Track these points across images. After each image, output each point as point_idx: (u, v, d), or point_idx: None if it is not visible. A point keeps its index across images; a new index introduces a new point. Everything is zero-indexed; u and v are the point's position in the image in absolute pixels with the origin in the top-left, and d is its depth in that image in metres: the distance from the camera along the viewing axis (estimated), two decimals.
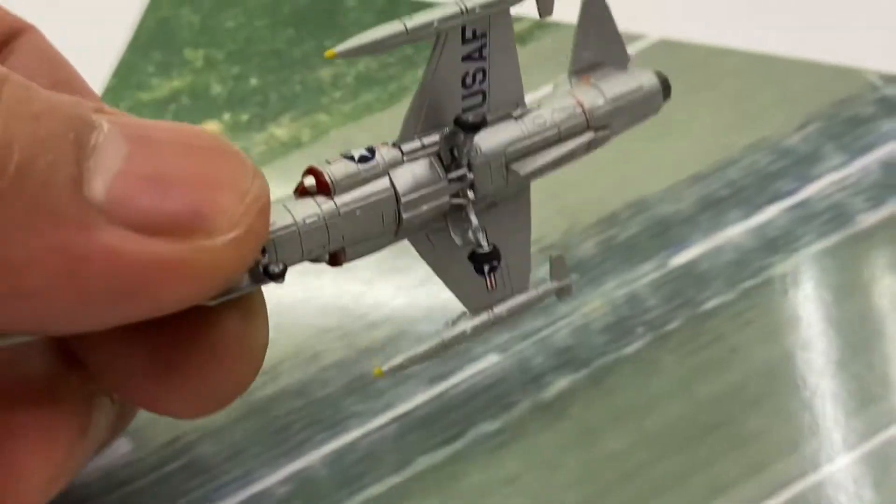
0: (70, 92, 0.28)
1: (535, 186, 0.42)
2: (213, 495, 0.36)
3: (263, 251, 0.28)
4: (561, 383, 0.38)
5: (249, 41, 0.47)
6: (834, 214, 0.42)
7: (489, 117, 0.32)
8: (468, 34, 0.31)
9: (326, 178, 0.29)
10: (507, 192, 0.33)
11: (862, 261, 0.41)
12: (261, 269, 0.27)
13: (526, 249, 0.34)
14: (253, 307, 0.29)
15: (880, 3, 0.49)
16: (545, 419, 0.37)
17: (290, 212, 0.29)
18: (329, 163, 0.30)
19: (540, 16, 0.34)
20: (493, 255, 0.32)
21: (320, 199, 0.29)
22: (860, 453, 0.36)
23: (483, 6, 0.30)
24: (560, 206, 0.42)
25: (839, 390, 0.38)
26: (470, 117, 0.31)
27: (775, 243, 0.41)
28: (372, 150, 0.30)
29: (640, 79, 0.36)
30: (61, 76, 0.32)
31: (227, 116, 0.45)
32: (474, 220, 0.32)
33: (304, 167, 0.44)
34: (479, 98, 0.32)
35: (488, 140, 0.32)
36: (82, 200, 0.23)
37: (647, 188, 0.43)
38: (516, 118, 0.33)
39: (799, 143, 0.44)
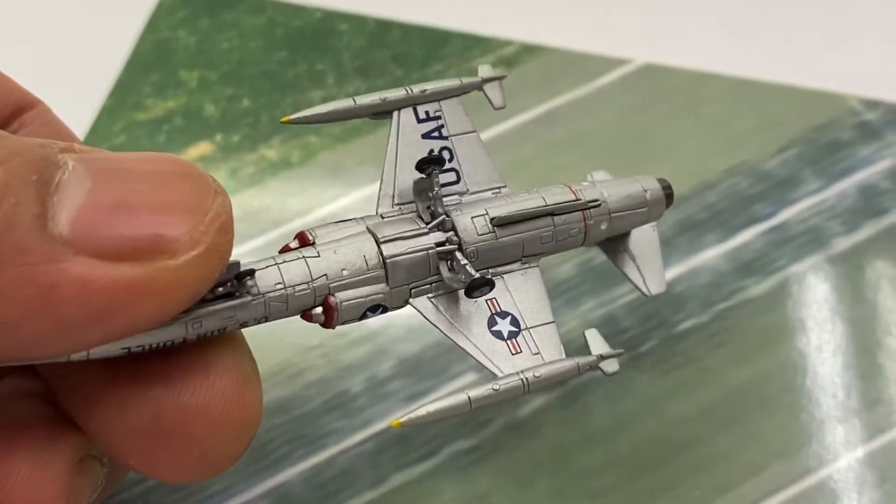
0: None
1: None
2: None
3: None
4: (535, 402, 0.39)
5: (242, 63, 0.48)
6: (810, 238, 0.43)
7: (471, 190, 0.33)
8: (421, 114, 0.33)
9: (308, 235, 0.31)
10: (507, 257, 0.33)
11: (836, 284, 0.42)
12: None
13: (547, 315, 0.32)
14: (247, 374, 0.30)
15: (862, 28, 0.49)
16: (518, 438, 0.38)
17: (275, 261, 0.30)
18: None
19: (493, 107, 0.36)
20: (484, 281, 0.31)
21: (302, 250, 0.31)
22: (821, 477, 0.37)
23: (429, 93, 0.34)
24: None
25: (806, 413, 0.39)
26: (430, 155, 0.32)
27: (751, 266, 0.42)
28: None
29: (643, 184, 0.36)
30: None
31: (218, 137, 0.46)
32: (461, 258, 0.32)
33: (293, 187, 0.45)
34: (453, 175, 0.34)
35: (468, 199, 0.33)
36: (47, 235, 0.25)
37: None
38: (497, 195, 0.34)
39: (777, 167, 0.45)
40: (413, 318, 0.40)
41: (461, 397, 0.30)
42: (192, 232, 0.26)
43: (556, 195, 0.34)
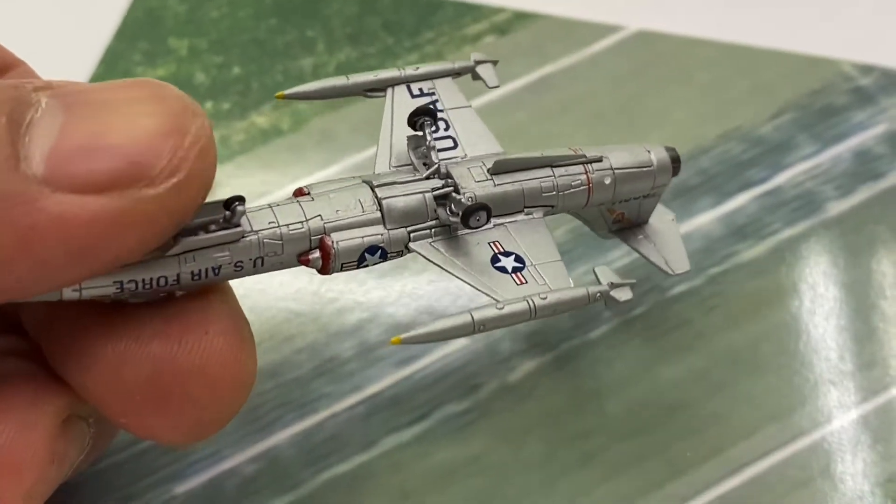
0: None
1: None
2: (182, 473, 0.37)
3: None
4: (527, 366, 0.39)
5: (233, 31, 0.48)
6: (804, 202, 0.43)
7: (469, 156, 0.33)
8: (415, 90, 0.34)
9: (304, 189, 0.31)
10: (508, 207, 0.32)
11: (830, 248, 0.42)
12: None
13: (553, 254, 0.32)
14: (244, 335, 0.30)
15: None
16: (510, 400, 0.38)
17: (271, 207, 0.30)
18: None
19: (487, 86, 0.36)
20: (480, 206, 0.31)
21: (297, 198, 0.31)
22: (814, 438, 0.37)
23: (421, 73, 0.34)
24: None
25: (799, 377, 0.39)
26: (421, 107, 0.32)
27: (744, 231, 0.42)
28: None
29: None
30: None
31: (209, 105, 0.46)
32: (457, 195, 0.31)
33: (284, 154, 0.45)
34: (450, 142, 0.34)
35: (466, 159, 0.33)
36: (21, 176, 0.25)
37: None
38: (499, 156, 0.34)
39: (772, 132, 0.45)
40: (404, 284, 0.41)
41: (465, 317, 0.30)
42: (171, 158, 0.26)
43: (557, 151, 0.33)
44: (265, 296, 0.40)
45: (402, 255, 0.31)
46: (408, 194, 0.31)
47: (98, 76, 0.46)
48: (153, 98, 0.27)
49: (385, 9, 0.49)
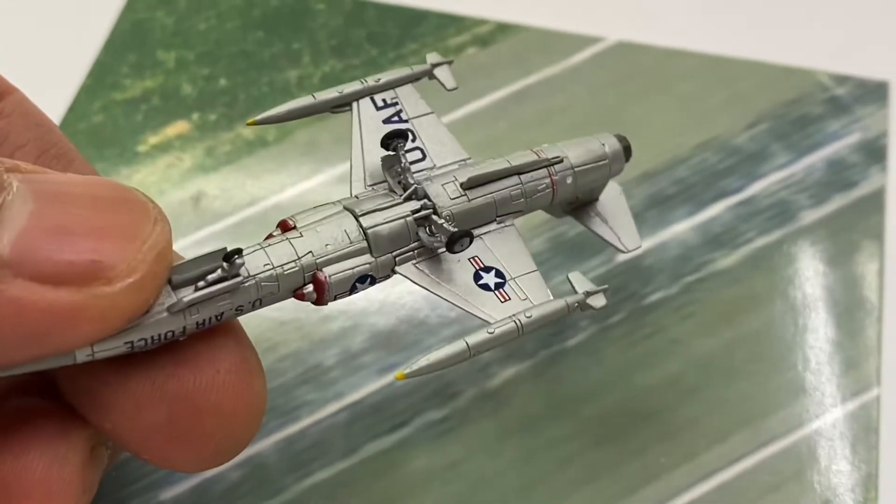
0: (59, 159, 0.31)
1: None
2: (169, 479, 0.37)
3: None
4: (506, 373, 0.40)
5: (220, 43, 0.48)
6: (778, 211, 0.44)
7: (437, 165, 0.34)
8: (379, 102, 0.35)
9: (289, 222, 0.32)
10: (482, 218, 0.34)
11: (804, 256, 0.43)
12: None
13: (529, 265, 0.33)
14: (253, 366, 0.31)
15: (831, 4, 0.50)
16: (489, 407, 0.39)
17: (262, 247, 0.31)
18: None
19: (446, 89, 0.37)
20: (463, 233, 0.32)
21: (285, 234, 0.31)
22: (786, 443, 0.38)
23: (383, 82, 0.35)
24: None
25: (771, 383, 0.39)
26: (393, 130, 0.33)
27: (719, 239, 0.43)
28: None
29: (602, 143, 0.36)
30: (46, 136, 0.34)
31: (195, 116, 0.46)
32: (438, 219, 0.32)
33: (269, 165, 0.46)
34: (419, 154, 0.35)
35: (437, 172, 0.34)
36: None
37: None
38: (463, 165, 0.34)
39: (747, 142, 0.46)
40: (386, 292, 0.42)
41: (460, 345, 0.31)
42: (130, 260, 0.27)
43: (521, 157, 0.34)
44: None
45: (388, 278, 0.33)
46: (390, 220, 0.32)
47: (86, 87, 0.47)
48: (118, 200, 0.28)
49: (370, 21, 0.49)
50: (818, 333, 0.41)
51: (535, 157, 0.35)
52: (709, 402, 0.39)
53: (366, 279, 0.32)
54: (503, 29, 0.49)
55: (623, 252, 0.37)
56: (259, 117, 0.35)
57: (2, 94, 0.34)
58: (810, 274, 0.42)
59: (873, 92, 0.47)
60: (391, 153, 0.33)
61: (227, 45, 0.49)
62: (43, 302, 0.26)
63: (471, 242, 0.32)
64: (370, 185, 0.33)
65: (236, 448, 0.31)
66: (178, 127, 0.46)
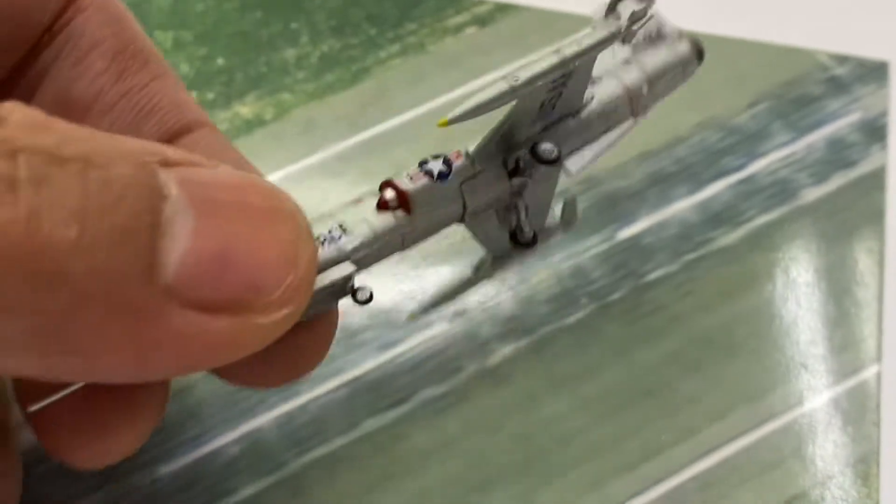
0: (136, 57, 0.30)
1: None
2: (167, 454, 0.37)
3: None
4: (505, 350, 0.40)
5: (217, 23, 0.48)
6: (779, 189, 0.44)
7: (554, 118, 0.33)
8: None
9: (408, 195, 0.31)
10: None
11: (804, 234, 0.42)
12: (349, 291, 0.30)
13: (548, 201, 0.34)
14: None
15: None
16: (488, 384, 0.39)
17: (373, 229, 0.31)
18: (410, 178, 0.31)
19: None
20: (534, 242, 0.34)
21: (399, 214, 0.31)
22: (786, 420, 0.38)
23: (578, 56, 0.31)
24: None
25: (771, 360, 0.39)
26: (545, 153, 0.32)
27: (719, 217, 0.43)
28: (449, 165, 0.32)
29: (677, 50, 0.37)
30: (123, 32, 0.32)
31: (193, 95, 0.46)
32: (523, 216, 0.33)
33: (267, 143, 0.46)
34: (549, 109, 0.33)
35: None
36: (155, 288, 0.24)
37: (597, 165, 0.44)
38: (574, 116, 0.34)
39: (748, 121, 0.46)
40: (387, 268, 0.41)
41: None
42: (285, 289, 0.26)
43: (614, 105, 0.35)
44: None
45: None
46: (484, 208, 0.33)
47: None
48: (273, 212, 0.26)
49: (368, 1, 0.49)
50: (818, 311, 0.41)
51: (626, 107, 0.35)
52: (708, 379, 0.39)
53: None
54: (502, 9, 0.49)
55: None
56: (452, 116, 0.30)
57: (191, 127, 0.32)
58: (811, 252, 0.42)
59: (873, 72, 0.47)
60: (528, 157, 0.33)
61: (225, 25, 0.48)
62: (202, 332, 0.24)
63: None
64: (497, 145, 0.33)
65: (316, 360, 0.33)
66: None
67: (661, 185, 0.44)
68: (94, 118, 0.31)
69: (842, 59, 0.47)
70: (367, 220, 0.31)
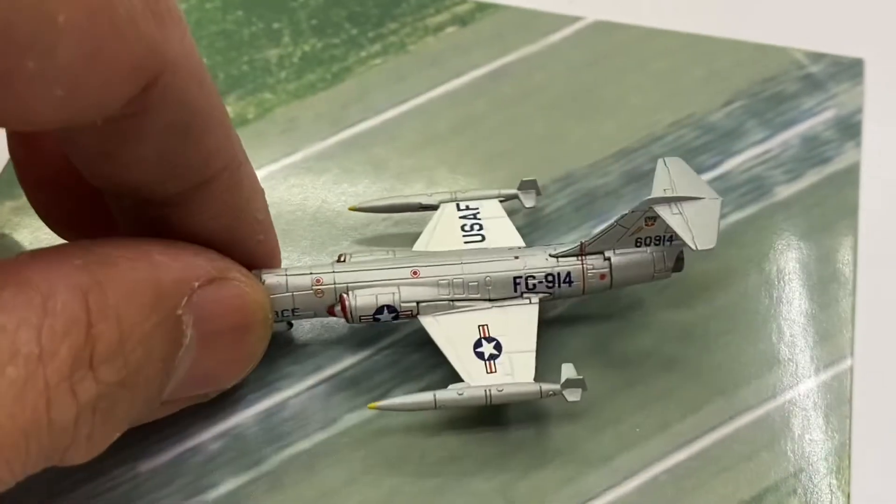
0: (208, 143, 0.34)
1: (470, 162, 0.44)
2: (147, 450, 0.38)
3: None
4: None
5: (200, 22, 0.49)
6: (753, 187, 0.44)
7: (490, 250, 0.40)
8: (462, 207, 0.42)
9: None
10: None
11: (779, 230, 0.43)
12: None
13: (530, 344, 0.38)
14: None
15: None
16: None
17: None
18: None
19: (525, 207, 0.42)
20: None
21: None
22: (760, 414, 0.39)
23: (470, 197, 0.42)
24: (491, 179, 0.44)
25: (746, 354, 0.40)
26: None
27: None
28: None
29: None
30: (197, 128, 0.33)
31: None
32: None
33: (249, 142, 0.46)
34: (479, 237, 0.41)
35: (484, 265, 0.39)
36: (156, 402, 0.34)
37: (575, 163, 0.45)
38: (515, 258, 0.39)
39: (723, 119, 0.46)
40: None
41: (428, 396, 0.37)
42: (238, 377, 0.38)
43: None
44: None
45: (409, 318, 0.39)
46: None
47: None
48: (251, 328, 0.36)
49: (350, 0, 0.50)
50: (792, 306, 0.41)
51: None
52: (683, 373, 0.39)
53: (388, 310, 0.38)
54: (482, 8, 0.50)
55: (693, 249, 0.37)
56: (360, 205, 0.42)
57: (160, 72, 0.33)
58: (785, 248, 0.43)
59: (848, 69, 0.47)
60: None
61: (207, 24, 0.49)
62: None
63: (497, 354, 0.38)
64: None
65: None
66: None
67: (638, 182, 0.44)
68: None
69: (817, 57, 0.48)
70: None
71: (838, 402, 0.39)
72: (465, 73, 0.48)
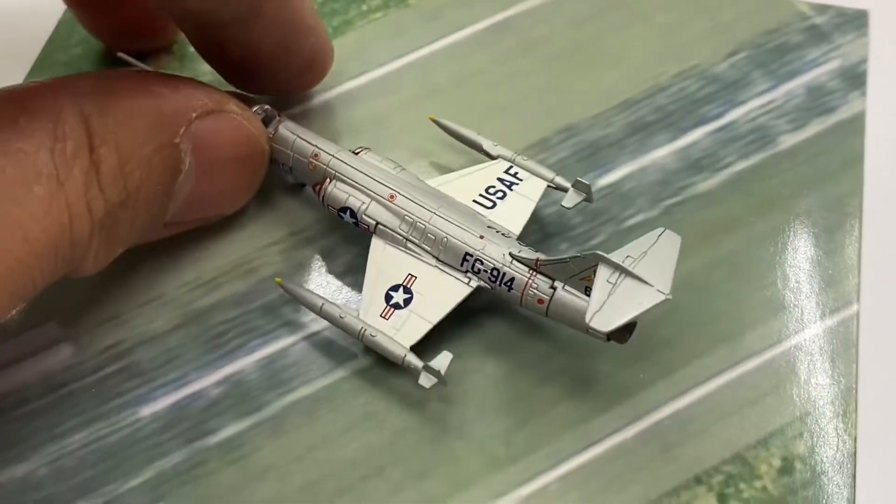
0: None
1: (471, 114, 0.44)
2: (149, 396, 0.38)
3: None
4: (483, 299, 0.39)
5: None
6: (757, 136, 0.44)
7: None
8: (510, 171, 0.42)
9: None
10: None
11: (782, 178, 0.43)
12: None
13: (436, 315, 0.38)
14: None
15: None
16: (470, 329, 0.39)
17: None
18: None
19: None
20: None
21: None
22: (765, 359, 0.38)
23: (525, 166, 0.42)
24: (493, 131, 0.43)
25: (749, 301, 0.40)
26: None
27: (699, 164, 0.43)
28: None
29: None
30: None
31: (175, 47, 0.46)
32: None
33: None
34: (491, 203, 0.41)
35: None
36: (160, 223, 0.37)
37: (578, 115, 0.45)
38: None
39: (728, 70, 0.46)
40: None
41: (317, 300, 0.38)
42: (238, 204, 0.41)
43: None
44: (233, 229, 0.42)
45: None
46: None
47: (64, 22, 0.47)
48: (250, 158, 0.39)
49: None
50: (798, 253, 0.41)
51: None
52: (688, 320, 0.39)
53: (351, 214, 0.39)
54: None
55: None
56: (440, 120, 0.43)
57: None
58: (790, 196, 0.42)
59: (853, 20, 0.47)
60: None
61: None
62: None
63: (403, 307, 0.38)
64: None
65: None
66: (159, 59, 0.46)
67: (642, 133, 0.44)
68: None
69: (821, 9, 0.47)
70: None
71: (844, 346, 0.39)
72: (466, 27, 0.48)
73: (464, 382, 0.38)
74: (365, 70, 0.46)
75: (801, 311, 0.39)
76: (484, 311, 0.39)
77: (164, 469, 0.36)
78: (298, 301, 0.38)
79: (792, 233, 0.41)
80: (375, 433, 0.37)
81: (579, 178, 0.40)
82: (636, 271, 0.35)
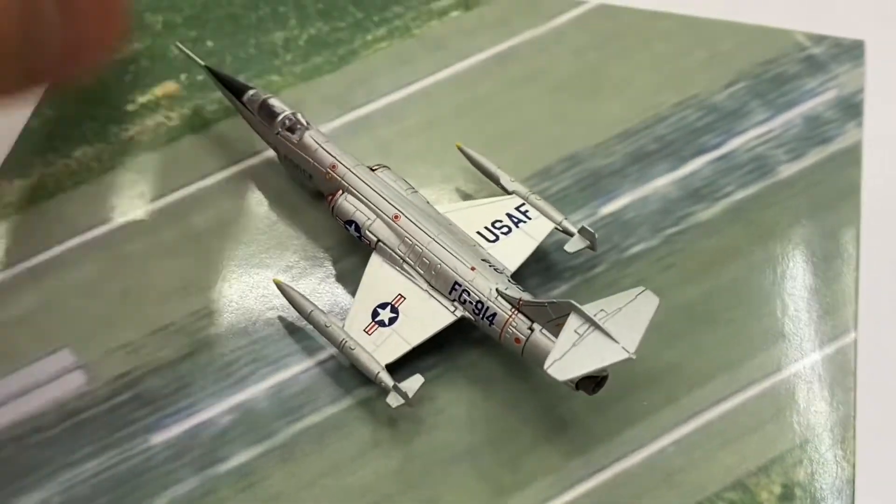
0: None
1: (475, 143, 0.45)
2: (159, 424, 0.38)
3: None
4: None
5: (207, 6, 0.49)
6: (756, 166, 0.45)
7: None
8: (521, 208, 0.42)
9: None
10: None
11: (781, 207, 0.43)
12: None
13: (418, 338, 0.39)
14: None
15: None
16: (476, 355, 0.40)
17: None
18: None
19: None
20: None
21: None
22: (765, 387, 0.39)
23: (536, 205, 0.42)
24: (497, 160, 0.44)
25: (750, 329, 0.40)
26: None
27: (699, 193, 0.44)
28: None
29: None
30: None
31: (183, 77, 0.47)
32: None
33: None
34: (494, 237, 0.41)
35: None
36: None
37: (580, 144, 0.45)
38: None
39: (726, 100, 0.47)
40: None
41: (307, 305, 0.39)
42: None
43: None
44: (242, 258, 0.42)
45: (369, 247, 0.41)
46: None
47: None
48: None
49: None
50: (796, 281, 0.42)
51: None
52: (689, 348, 0.40)
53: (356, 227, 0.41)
54: None
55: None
56: (465, 149, 0.43)
57: None
58: (789, 225, 0.43)
59: (849, 51, 0.48)
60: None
61: (215, 8, 0.49)
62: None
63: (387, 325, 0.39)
64: None
65: None
66: (167, 87, 0.47)
67: (642, 162, 0.45)
68: None
69: (818, 39, 0.48)
70: None
71: (843, 374, 0.39)
72: (469, 57, 0.48)
73: (469, 410, 0.39)
74: (369, 100, 0.47)
75: (801, 339, 0.40)
76: (491, 338, 0.40)
77: (175, 497, 0.37)
78: (290, 303, 0.40)
79: (791, 261, 0.42)
80: (384, 460, 0.38)
81: (585, 226, 0.41)
82: (606, 326, 0.36)
